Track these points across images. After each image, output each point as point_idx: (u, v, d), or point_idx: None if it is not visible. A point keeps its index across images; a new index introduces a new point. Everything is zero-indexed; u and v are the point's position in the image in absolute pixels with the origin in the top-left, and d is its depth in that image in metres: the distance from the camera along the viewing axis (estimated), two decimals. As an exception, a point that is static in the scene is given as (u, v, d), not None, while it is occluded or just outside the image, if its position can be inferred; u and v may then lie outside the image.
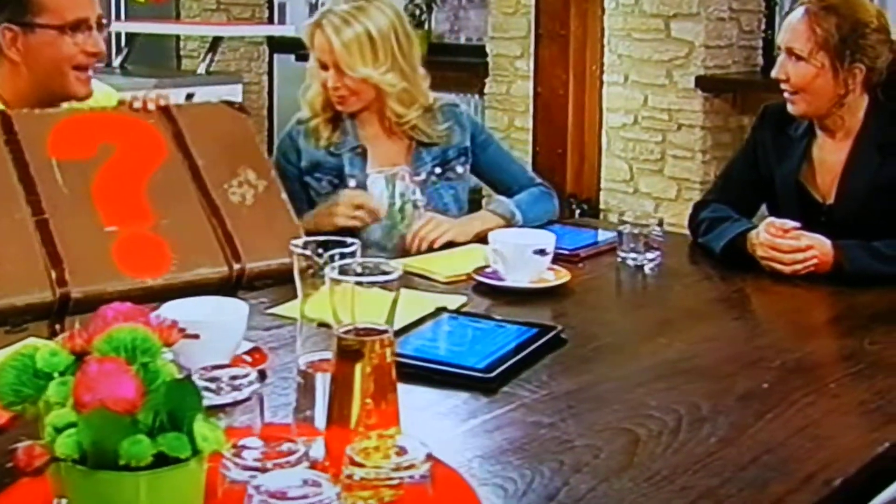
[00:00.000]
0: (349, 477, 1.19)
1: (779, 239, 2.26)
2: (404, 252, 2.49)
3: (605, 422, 1.53)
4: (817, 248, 2.25)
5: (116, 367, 1.11)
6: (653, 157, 5.36)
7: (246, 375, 1.40)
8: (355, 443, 1.21)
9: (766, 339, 1.96)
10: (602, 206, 5.58)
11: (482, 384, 1.65)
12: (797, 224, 2.28)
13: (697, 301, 2.21)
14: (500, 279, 2.18)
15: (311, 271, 1.39)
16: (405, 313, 1.91)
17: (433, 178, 2.67)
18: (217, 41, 5.06)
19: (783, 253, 2.26)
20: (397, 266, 1.31)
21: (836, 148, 2.43)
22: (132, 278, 2.10)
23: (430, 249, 2.46)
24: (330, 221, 2.45)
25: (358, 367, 1.26)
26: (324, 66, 2.58)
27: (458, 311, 1.97)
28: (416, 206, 2.65)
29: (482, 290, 2.17)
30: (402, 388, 1.61)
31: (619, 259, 2.37)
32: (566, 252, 2.40)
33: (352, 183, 2.59)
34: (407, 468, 1.20)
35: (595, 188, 5.59)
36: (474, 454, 1.44)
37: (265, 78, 7.52)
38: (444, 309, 1.95)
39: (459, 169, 2.72)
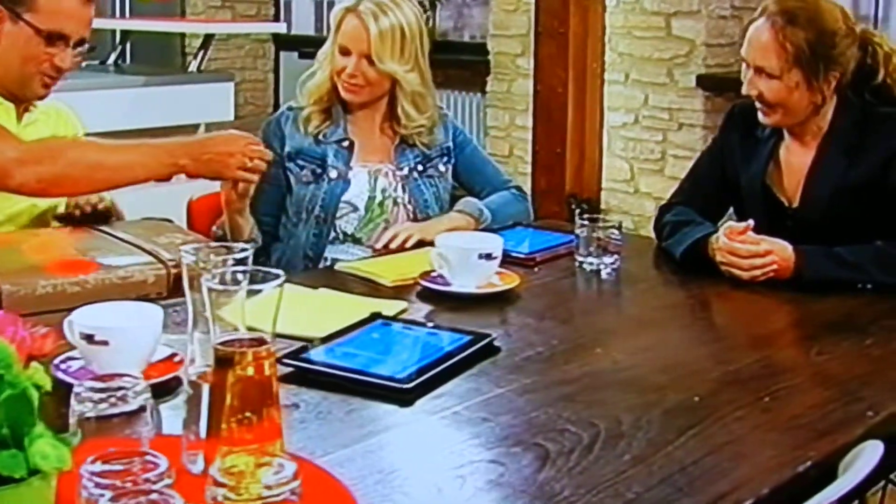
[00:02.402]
0: (213, 499, 1.13)
1: (737, 244, 2.18)
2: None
3: (517, 436, 1.47)
4: (777, 253, 2.17)
5: (-42, 380, 1.05)
6: (653, 157, 5.29)
7: (134, 386, 1.35)
8: (222, 461, 1.16)
9: (709, 349, 1.88)
10: (603, 206, 5.51)
11: (399, 394, 1.59)
12: (751, 222, 2.20)
13: (647, 308, 2.14)
14: (447, 284, 2.11)
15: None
16: (336, 319, 1.86)
17: (415, 174, 2.64)
18: (209, 38, 5.01)
19: (741, 258, 2.18)
20: (280, 273, 1.26)
21: (803, 150, 2.35)
22: (63, 277, 2.07)
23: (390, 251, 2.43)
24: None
25: (230, 379, 1.20)
26: (345, 52, 2.56)
27: (391, 318, 1.90)
28: (396, 203, 2.63)
29: (427, 295, 2.10)
30: (319, 397, 1.59)
31: (576, 263, 2.31)
32: (521, 256, 2.34)
33: (333, 174, 2.58)
34: (275, 486, 1.14)
35: (596, 188, 5.52)
36: (374, 470, 1.38)
37: (271, 76, 7.51)
38: (378, 315, 1.89)
39: (441, 167, 2.69)
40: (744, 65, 2.33)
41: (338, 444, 1.44)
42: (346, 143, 2.60)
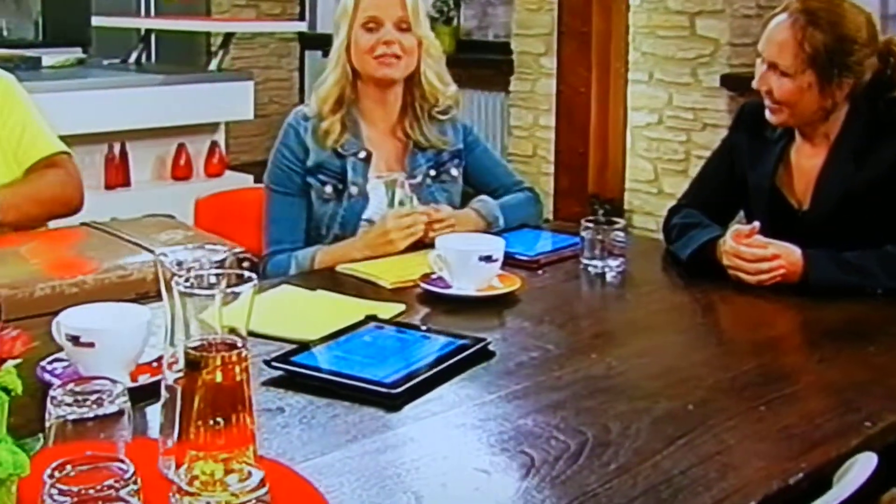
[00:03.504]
0: (177, 507, 1.11)
1: (743, 247, 2.14)
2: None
3: (503, 444, 1.44)
4: (784, 257, 2.13)
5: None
6: (677, 157, 5.25)
7: (111, 390, 1.33)
8: (188, 467, 1.14)
9: (707, 354, 1.84)
10: (626, 206, 5.46)
11: (387, 400, 1.56)
12: (757, 225, 2.16)
13: (647, 312, 2.09)
14: (447, 286, 2.09)
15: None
16: (331, 321, 1.84)
17: (428, 180, 2.60)
18: (229, 37, 5.01)
19: (747, 262, 2.14)
20: (252, 276, 1.23)
21: (814, 153, 2.31)
22: (60, 279, 2.06)
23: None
24: (390, 248, 2.38)
25: (199, 383, 1.18)
26: (374, 27, 2.52)
27: (386, 321, 1.88)
28: None
29: (426, 297, 2.08)
30: (304, 401, 1.57)
31: (581, 266, 2.27)
32: (525, 259, 2.31)
33: (353, 189, 2.52)
34: (241, 494, 1.12)
35: (619, 188, 5.48)
36: (352, 477, 1.35)
37: (296, 74, 7.51)
38: (372, 317, 1.87)
39: (454, 171, 2.65)
40: (758, 58, 2.29)
41: (319, 450, 1.42)
42: (362, 155, 2.54)
